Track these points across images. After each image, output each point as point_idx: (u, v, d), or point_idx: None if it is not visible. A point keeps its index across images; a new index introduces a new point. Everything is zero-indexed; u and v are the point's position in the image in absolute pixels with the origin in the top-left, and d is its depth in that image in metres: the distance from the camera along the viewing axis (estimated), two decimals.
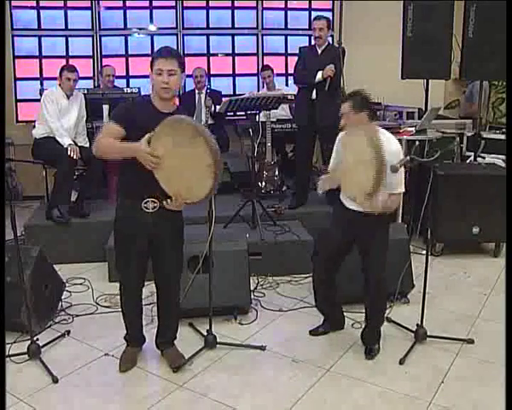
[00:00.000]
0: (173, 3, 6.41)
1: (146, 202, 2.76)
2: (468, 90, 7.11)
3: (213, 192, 2.65)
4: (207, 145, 2.49)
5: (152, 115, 2.66)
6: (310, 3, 6.75)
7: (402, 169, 2.94)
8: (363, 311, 3.23)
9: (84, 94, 5.02)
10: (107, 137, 2.68)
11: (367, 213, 2.93)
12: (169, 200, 2.68)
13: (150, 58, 2.77)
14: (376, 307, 3.19)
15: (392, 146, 2.96)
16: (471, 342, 3.32)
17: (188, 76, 6.38)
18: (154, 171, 2.61)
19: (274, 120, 5.56)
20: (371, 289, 3.12)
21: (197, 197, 2.64)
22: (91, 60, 6.31)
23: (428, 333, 3.28)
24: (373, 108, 3.07)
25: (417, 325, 3.29)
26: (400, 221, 4.83)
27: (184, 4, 6.44)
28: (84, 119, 4.90)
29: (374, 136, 2.76)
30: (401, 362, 3.08)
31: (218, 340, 3.23)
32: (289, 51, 6.69)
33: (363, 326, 3.29)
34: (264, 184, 5.27)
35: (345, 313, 3.49)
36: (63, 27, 6.22)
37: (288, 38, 6.75)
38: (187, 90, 6.42)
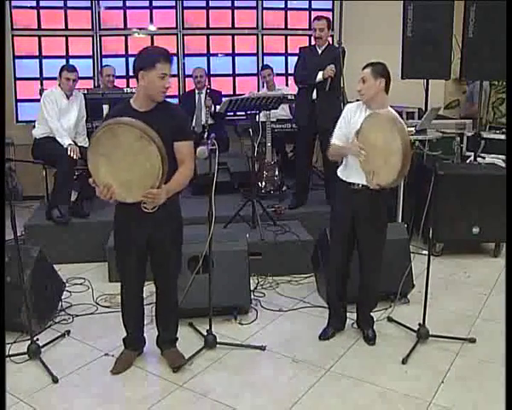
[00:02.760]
0: (173, 3, 6.42)
1: (145, 203, 2.76)
2: (469, 91, 7.11)
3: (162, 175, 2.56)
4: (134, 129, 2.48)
5: (129, 116, 2.61)
6: (310, 3, 6.76)
7: None
8: None
9: (84, 94, 5.01)
10: None
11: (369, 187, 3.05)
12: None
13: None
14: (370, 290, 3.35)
15: None
16: (473, 341, 3.32)
17: (188, 76, 6.41)
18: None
19: (274, 120, 5.56)
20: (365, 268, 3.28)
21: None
22: (91, 60, 6.31)
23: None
24: (390, 80, 3.13)
25: (419, 324, 3.30)
26: (400, 221, 4.83)
27: (184, 4, 6.44)
28: (84, 119, 4.90)
29: (406, 133, 2.87)
30: (404, 361, 3.09)
31: (218, 340, 3.22)
32: (289, 51, 6.69)
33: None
34: (264, 184, 5.26)
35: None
36: (63, 27, 6.22)
37: (288, 38, 6.76)
38: (187, 90, 6.43)
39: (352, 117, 3.17)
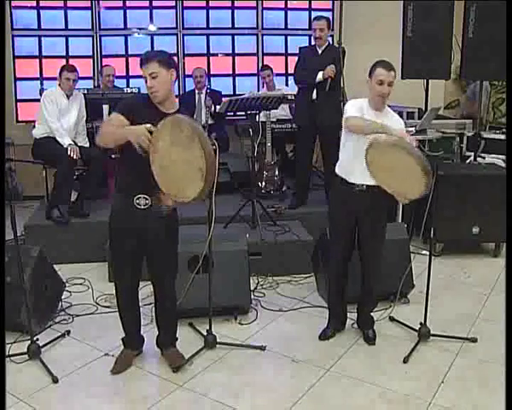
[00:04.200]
0: (173, 3, 6.41)
1: (138, 198, 2.76)
2: (470, 90, 7.09)
3: (203, 196, 2.61)
4: (202, 148, 2.47)
5: (154, 115, 2.64)
6: (310, 3, 6.75)
7: None
8: None
9: (84, 94, 5.02)
10: (111, 125, 2.70)
11: (373, 186, 2.99)
12: (160, 194, 2.67)
13: None
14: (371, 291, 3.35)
15: (396, 126, 3.02)
16: (474, 340, 3.33)
17: (188, 76, 6.41)
18: (151, 162, 2.59)
19: (274, 120, 5.56)
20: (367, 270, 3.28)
21: (186, 197, 2.60)
22: (91, 60, 6.31)
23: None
24: None
25: (420, 323, 3.30)
26: (400, 221, 4.83)
27: (184, 4, 6.44)
28: (84, 119, 4.90)
29: (414, 152, 2.75)
30: (405, 361, 3.09)
31: (218, 340, 3.23)
32: (289, 51, 6.69)
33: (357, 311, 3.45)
34: (264, 184, 5.26)
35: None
36: (63, 27, 6.22)
37: (288, 38, 6.75)
38: (187, 90, 6.44)
39: (358, 110, 3.06)
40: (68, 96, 4.71)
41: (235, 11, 6.60)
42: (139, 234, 2.83)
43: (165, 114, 2.67)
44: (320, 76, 4.65)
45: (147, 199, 2.76)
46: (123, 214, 2.82)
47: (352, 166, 3.10)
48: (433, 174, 2.78)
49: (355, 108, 3.06)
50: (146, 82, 2.70)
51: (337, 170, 3.21)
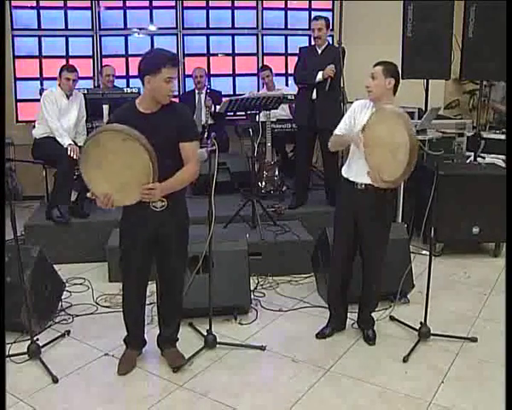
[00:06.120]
0: (173, 3, 6.41)
1: (154, 201, 2.76)
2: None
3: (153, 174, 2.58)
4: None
5: (135, 119, 2.66)
6: (310, 3, 6.75)
7: None
8: None
9: (84, 94, 5.02)
10: None
11: (373, 186, 3.04)
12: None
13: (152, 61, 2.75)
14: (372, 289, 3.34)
15: None
16: (474, 340, 3.33)
17: (188, 76, 6.41)
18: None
19: (274, 120, 5.56)
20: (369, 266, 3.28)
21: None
22: (91, 60, 6.31)
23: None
24: (399, 82, 3.17)
25: (421, 323, 3.30)
26: (400, 221, 4.83)
27: (184, 4, 6.44)
28: (84, 119, 4.90)
29: (411, 127, 2.89)
30: (405, 360, 3.09)
31: (218, 340, 3.23)
32: (289, 51, 6.69)
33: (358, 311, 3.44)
34: (264, 184, 5.26)
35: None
36: (63, 27, 6.23)
37: (288, 38, 6.75)
38: (187, 90, 6.44)
39: (358, 113, 3.16)
40: (68, 96, 4.71)
41: (235, 11, 6.60)
42: (153, 234, 2.84)
43: (144, 114, 2.71)
44: (320, 76, 4.65)
45: (163, 201, 2.76)
46: (137, 216, 2.81)
47: (352, 165, 3.17)
48: (433, 174, 2.82)
49: (350, 115, 3.21)
50: (168, 83, 2.67)
51: (342, 170, 3.27)
